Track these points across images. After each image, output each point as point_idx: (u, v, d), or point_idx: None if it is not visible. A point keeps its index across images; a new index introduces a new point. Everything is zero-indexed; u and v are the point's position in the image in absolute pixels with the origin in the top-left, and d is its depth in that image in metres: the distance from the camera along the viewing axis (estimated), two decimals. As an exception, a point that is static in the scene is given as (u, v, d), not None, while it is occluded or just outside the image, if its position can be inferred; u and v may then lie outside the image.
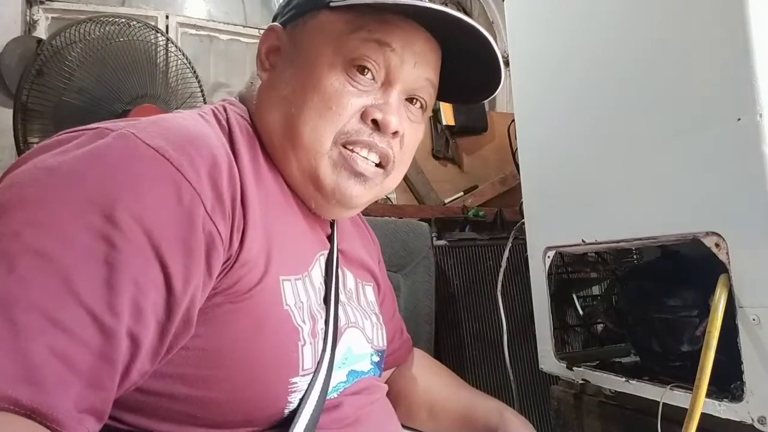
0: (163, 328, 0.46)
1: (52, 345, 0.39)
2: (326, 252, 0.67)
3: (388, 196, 2.11)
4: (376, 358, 0.71)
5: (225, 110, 0.62)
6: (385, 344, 0.75)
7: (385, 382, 0.81)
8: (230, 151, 0.54)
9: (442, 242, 1.75)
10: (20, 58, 1.96)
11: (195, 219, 0.47)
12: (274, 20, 0.68)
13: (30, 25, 2.11)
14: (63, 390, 0.39)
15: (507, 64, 0.88)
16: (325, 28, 0.60)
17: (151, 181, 0.46)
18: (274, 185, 0.61)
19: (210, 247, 0.48)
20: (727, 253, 0.67)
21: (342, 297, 0.67)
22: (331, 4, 0.59)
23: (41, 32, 2.13)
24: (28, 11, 2.10)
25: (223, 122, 0.59)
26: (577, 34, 0.93)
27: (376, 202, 2.06)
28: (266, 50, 0.65)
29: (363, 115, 0.60)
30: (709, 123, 0.70)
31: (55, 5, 2.15)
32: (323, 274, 0.64)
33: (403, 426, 0.76)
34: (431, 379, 0.88)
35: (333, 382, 0.60)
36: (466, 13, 2.72)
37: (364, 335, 0.69)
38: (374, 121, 0.60)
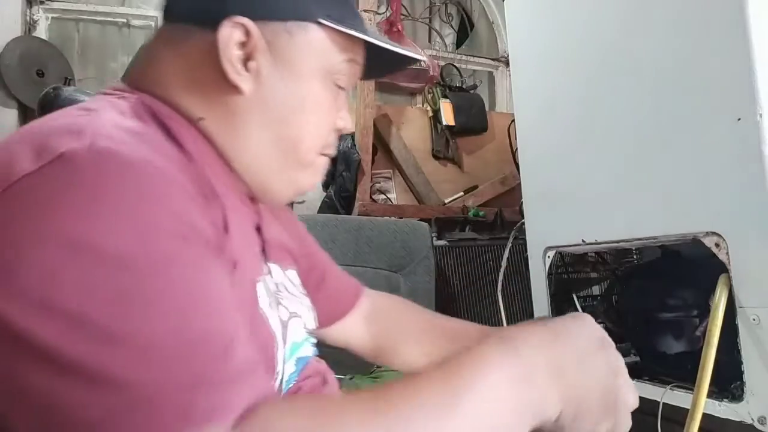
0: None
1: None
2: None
3: (388, 196, 2.10)
4: (314, 339, 0.72)
5: (153, 113, 0.54)
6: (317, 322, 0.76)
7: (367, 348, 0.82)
8: (186, 159, 0.52)
9: (442, 242, 1.75)
10: (20, 58, 1.96)
11: (206, 212, 0.47)
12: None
13: (30, 25, 2.11)
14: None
15: (507, 64, 0.88)
16: (317, 47, 0.59)
17: (167, 192, 0.44)
18: (229, 188, 0.59)
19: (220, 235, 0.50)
20: (727, 253, 0.67)
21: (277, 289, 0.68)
22: (321, 21, 0.57)
23: (41, 32, 2.13)
24: (28, 11, 2.11)
25: (156, 127, 0.53)
26: (577, 35, 0.93)
27: (376, 201, 2.06)
28: (235, 48, 0.56)
29: None
30: (709, 123, 0.70)
31: (55, 5, 2.15)
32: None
33: None
34: (413, 331, 0.84)
35: (285, 375, 0.60)
36: (465, 12, 2.72)
37: (302, 321, 0.70)
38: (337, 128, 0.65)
